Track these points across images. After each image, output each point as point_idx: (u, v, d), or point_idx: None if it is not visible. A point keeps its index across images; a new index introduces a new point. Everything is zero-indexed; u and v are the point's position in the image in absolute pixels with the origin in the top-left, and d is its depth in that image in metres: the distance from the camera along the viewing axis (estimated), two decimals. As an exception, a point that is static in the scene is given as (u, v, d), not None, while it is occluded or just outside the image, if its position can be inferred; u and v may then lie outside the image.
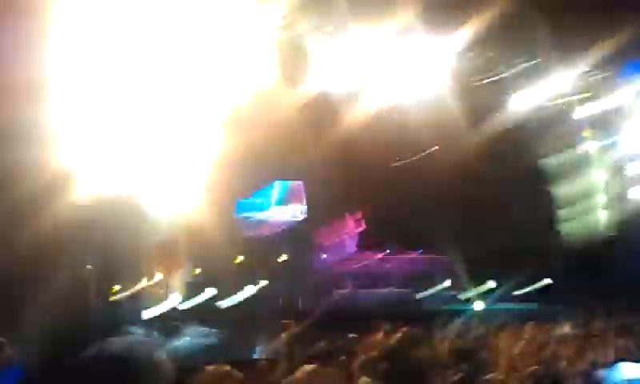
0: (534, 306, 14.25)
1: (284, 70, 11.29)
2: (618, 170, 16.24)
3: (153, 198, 11.49)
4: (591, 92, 15.10)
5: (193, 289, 13.30)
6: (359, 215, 16.49)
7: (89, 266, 10.43)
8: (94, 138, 9.58)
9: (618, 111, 15.44)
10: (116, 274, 12.07)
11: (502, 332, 8.08)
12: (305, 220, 17.16)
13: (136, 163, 10.20)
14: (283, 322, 8.84)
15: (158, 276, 12.60)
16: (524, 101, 14.83)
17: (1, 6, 8.33)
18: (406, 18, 11.07)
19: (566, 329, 8.55)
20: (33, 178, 8.46)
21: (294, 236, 16.61)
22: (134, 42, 9.50)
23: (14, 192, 8.40)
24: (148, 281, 12.63)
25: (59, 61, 8.84)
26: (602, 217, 16.52)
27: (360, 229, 16.48)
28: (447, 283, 15.92)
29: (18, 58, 8.31)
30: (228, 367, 6.48)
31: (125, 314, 11.68)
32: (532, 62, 13.41)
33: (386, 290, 15.63)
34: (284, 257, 15.73)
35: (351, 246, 16.41)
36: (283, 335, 8.39)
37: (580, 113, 15.69)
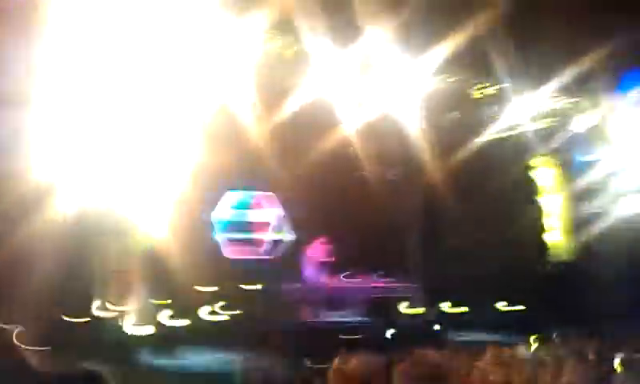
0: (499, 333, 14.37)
1: (260, 90, 11.38)
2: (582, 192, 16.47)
3: (117, 220, 11.41)
4: (559, 116, 15.42)
5: (150, 316, 13.07)
6: (324, 240, 16.37)
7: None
8: (64, 155, 9.54)
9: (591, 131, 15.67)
10: (72, 297, 11.84)
11: (468, 357, 8.07)
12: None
13: (103, 184, 10.16)
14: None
15: (115, 302, 12.34)
16: (495, 123, 15.13)
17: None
18: (381, 36, 11.22)
19: (539, 353, 8.59)
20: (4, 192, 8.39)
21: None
22: (111, 57, 9.55)
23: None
24: (103, 307, 12.36)
25: (40, 73, 8.81)
26: (562, 241, 16.79)
27: (326, 255, 16.35)
28: (407, 308, 15.95)
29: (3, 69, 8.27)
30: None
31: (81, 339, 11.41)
32: (504, 84, 13.66)
33: (346, 318, 15.55)
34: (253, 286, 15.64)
35: (316, 271, 16.30)
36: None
37: (549, 134, 16.02)
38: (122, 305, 12.31)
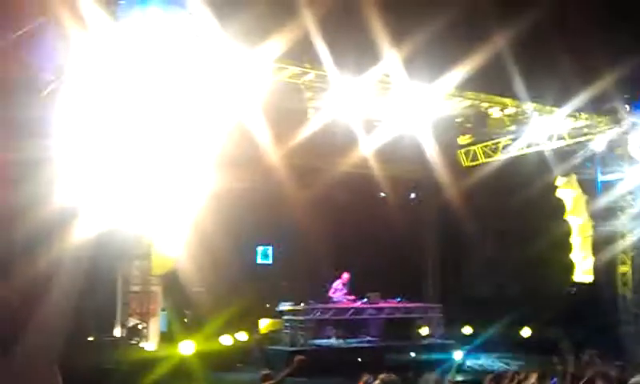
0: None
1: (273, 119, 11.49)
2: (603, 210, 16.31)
3: (136, 242, 11.50)
4: (579, 135, 15.33)
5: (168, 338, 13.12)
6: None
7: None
8: (89, 179, 9.66)
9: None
10: (93, 318, 11.94)
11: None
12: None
13: (127, 207, 10.25)
14: (263, 373, 8.73)
15: (133, 323, 12.41)
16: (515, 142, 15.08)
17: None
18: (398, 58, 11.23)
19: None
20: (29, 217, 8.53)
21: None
22: (130, 86, 9.69)
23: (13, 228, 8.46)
24: (122, 328, 12.41)
25: (62, 101, 8.98)
26: (581, 262, 16.58)
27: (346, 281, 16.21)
28: (425, 331, 15.80)
29: (25, 96, 8.44)
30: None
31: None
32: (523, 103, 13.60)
33: (366, 339, 15.47)
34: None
35: (339, 295, 16.16)
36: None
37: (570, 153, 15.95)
38: (143, 325, 12.34)
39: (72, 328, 9.97)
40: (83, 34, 9.01)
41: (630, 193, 15.67)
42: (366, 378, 7.03)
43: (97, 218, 9.90)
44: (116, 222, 10.43)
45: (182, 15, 9.91)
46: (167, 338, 13.09)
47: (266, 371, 8.58)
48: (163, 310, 13.34)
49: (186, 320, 14.04)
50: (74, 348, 9.68)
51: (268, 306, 15.67)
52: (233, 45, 9.99)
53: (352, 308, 15.49)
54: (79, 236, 9.65)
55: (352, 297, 15.89)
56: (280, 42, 10.21)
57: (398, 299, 16.24)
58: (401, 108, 13.05)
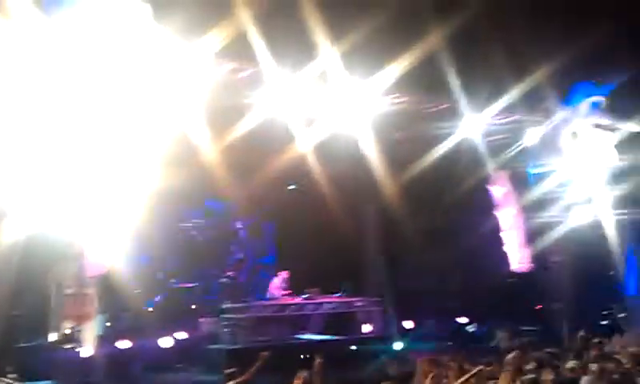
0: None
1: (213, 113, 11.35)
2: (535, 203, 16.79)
3: (69, 244, 11.19)
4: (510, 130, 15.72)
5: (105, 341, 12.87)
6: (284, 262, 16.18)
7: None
8: (16, 179, 9.28)
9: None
10: (24, 323, 11.62)
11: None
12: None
13: (59, 207, 9.93)
14: (227, 372, 8.68)
15: (68, 328, 12.12)
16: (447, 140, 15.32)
17: None
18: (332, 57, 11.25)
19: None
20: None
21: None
22: (62, 82, 9.30)
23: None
24: (57, 332, 12.12)
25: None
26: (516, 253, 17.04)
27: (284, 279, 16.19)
28: (367, 327, 15.91)
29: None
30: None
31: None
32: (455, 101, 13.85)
33: (307, 336, 15.49)
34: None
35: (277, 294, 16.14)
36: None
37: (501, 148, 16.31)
38: (78, 327, 12.08)
39: (2, 334, 9.69)
40: (8, 26, 8.62)
41: (561, 185, 16.19)
42: (302, 375, 7.07)
43: (25, 220, 9.58)
44: (47, 224, 10.11)
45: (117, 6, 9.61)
46: (104, 341, 12.86)
47: (230, 370, 8.53)
48: (100, 312, 13.11)
49: (121, 322, 13.78)
50: (4, 354, 9.37)
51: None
52: (170, 39, 9.79)
53: (292, 304, 15.50)
54: (6, 239, 9.33)
55: (290, 294, 15.94)
56: (217, 38, 10.08)
57: (338, 295, 16.32)
58: (339, 106, 13.08)
